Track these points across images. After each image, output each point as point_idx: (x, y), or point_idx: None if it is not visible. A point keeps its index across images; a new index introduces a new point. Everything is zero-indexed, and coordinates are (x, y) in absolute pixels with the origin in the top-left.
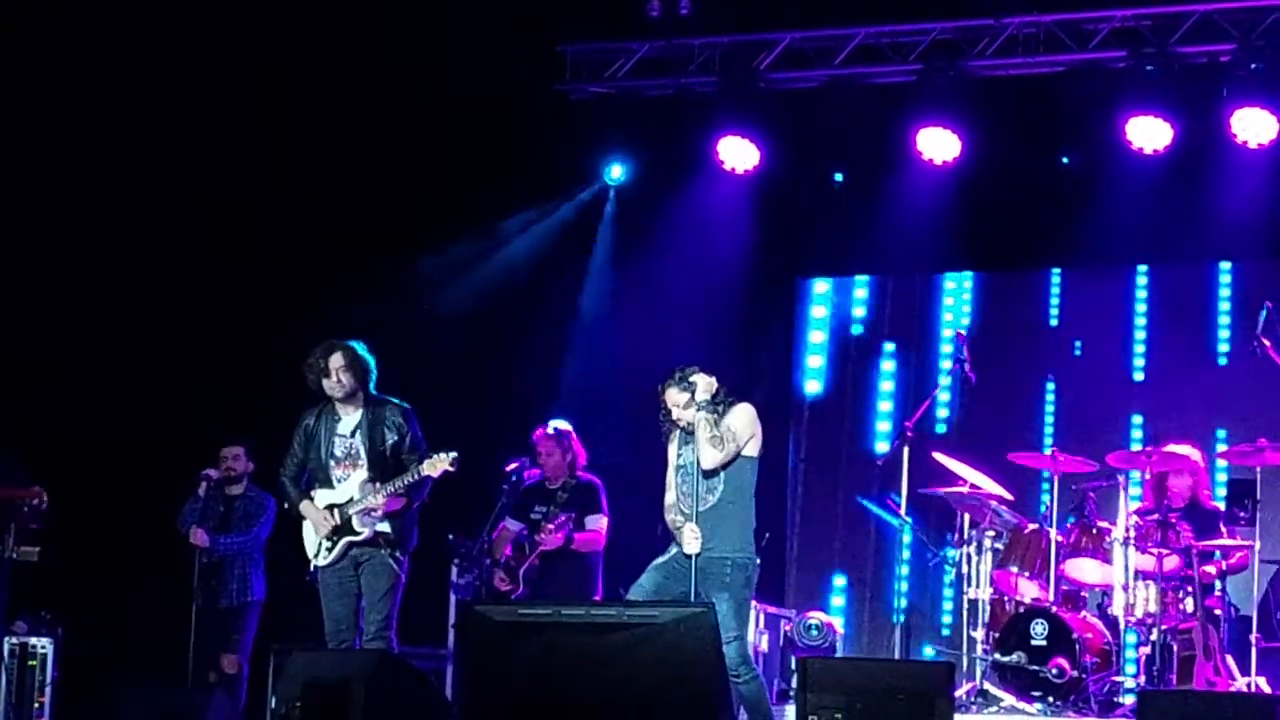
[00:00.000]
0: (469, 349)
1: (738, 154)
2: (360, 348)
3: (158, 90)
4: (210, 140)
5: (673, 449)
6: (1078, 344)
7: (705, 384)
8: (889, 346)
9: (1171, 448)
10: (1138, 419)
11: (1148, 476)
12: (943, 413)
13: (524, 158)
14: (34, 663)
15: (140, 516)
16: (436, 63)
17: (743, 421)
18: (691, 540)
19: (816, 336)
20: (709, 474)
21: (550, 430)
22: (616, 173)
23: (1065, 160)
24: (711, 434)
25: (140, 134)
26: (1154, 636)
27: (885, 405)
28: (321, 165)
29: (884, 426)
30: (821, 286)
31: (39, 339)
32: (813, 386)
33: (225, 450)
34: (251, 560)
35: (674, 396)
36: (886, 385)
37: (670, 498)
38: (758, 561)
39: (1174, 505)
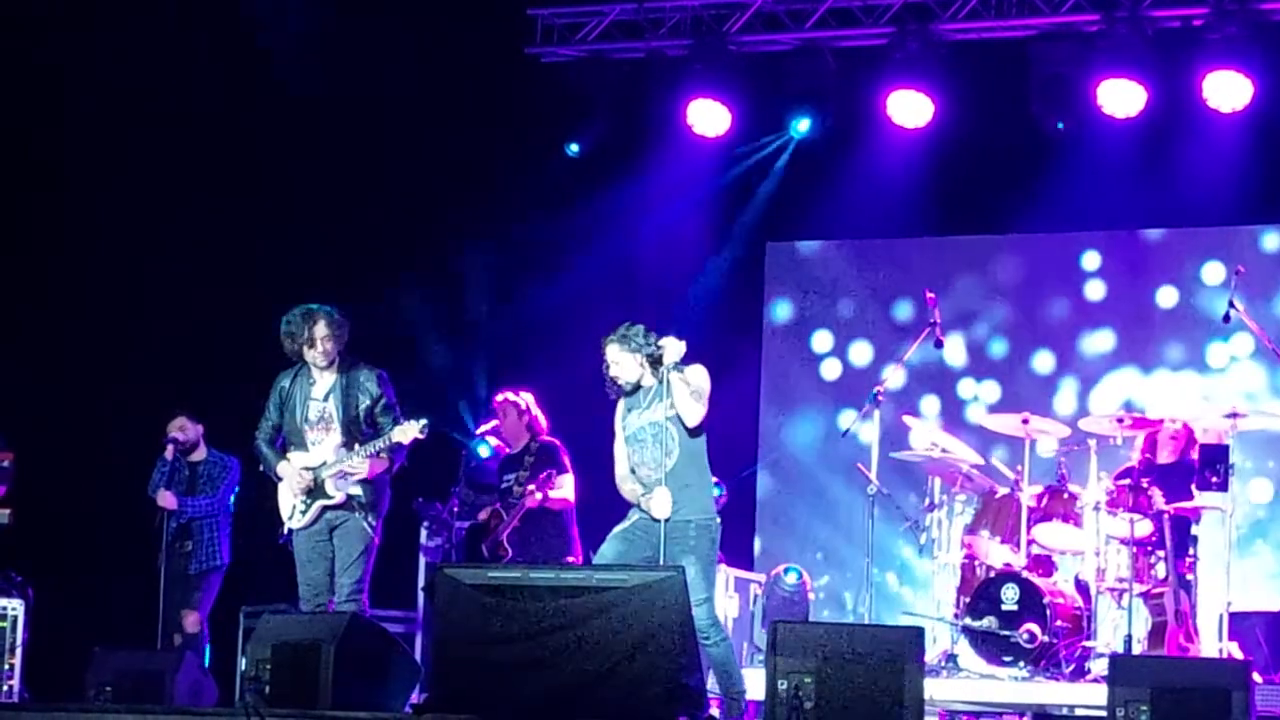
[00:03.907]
0: (432, 315)
1: (708, 117)
2: (339, 312)
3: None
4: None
5: (619, 419)
6: (1047, 307)
7: (676, 347)
8: (859, 310)
9: (1148, 412)
10: (1109, 382)
11: (1118, 441)
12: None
13: (495, 121)
14: (4, 624)
15: (110, 478)
16: (407, 26)
17: (704, 378)
18: (663, 504)
19: (787, 300)
20: (678, 432)
21: (505, 396)
22: (575, 147)
23: (1060, 125)
24: (691, 390)
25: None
26: (1125, 601)
27: (855, 370)
28: (286, 136)
29: (855, 392)
30: (791, 250)
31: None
32: (782, 350)
33: (170, 424)
34: (218, 524)
35: (613, 353)
36: (856, 349)
37: (623, 469)
38: (719, 521)
39: (1157, 462)
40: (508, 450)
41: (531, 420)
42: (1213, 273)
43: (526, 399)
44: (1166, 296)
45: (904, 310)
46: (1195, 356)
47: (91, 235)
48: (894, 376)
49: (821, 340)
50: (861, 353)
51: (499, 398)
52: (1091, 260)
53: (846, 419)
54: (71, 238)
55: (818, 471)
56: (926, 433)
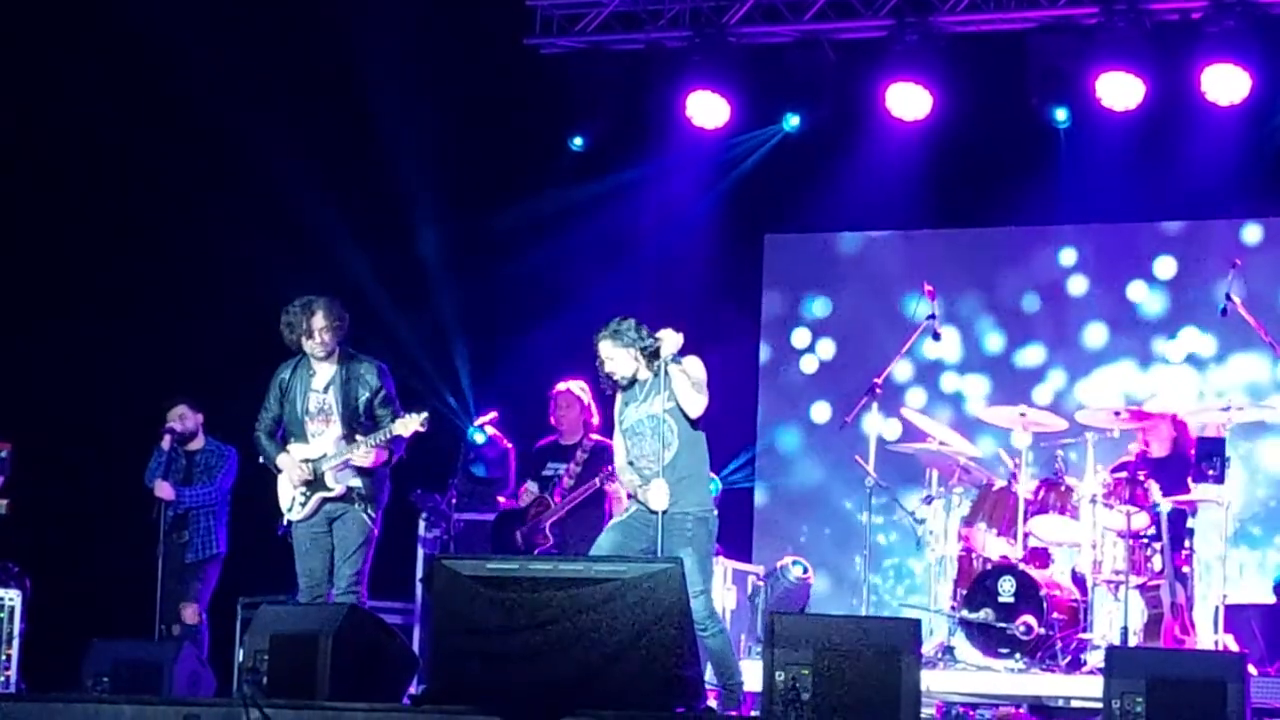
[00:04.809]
0: (431, 309)
1: (707, 109)
2: (338, 303)
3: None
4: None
5: (617, 413)
6: (1043, 300)
7: (674, 339)
8: (856, 301)
9: (1145, 405)
10: (1100, 376)
11: (1115, 435)
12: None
13: (493, 112)
14: (1, 615)
15: (108, 468)
16: (406, 17)
17: (701, 370)
18: (660, 496)
19: (784, 291)
20: (677, 424)
21: (568, 387)
22: (579, 141)
23: (1061, 116)
24: (693, 381)
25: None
26: (1121, 594)
27: (852, 362)
28: (288, 120)
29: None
30: (789, 242)
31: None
32: (779, 341)
33: (170, 413)
34: (215, 514)
35: (606, 349)
36: (854, 341)
37: (621, 460)
38: (717, 513)
39: (1151, 455)
40: (504, 440)
41: (588, 416)
42: (1212, 266)
43: (584, 391)
44: (1165, 291)
45: (902, 303)
46: (1192, 350)
47: (88, 226)
48: (894, 369)
49: (819, 331)
50: (858, 344)
51: (560, 387)
52: (1091, 254)
53: (844, 411)
54: (69, 229)
55: (816, 464)
56: (924, 425)
